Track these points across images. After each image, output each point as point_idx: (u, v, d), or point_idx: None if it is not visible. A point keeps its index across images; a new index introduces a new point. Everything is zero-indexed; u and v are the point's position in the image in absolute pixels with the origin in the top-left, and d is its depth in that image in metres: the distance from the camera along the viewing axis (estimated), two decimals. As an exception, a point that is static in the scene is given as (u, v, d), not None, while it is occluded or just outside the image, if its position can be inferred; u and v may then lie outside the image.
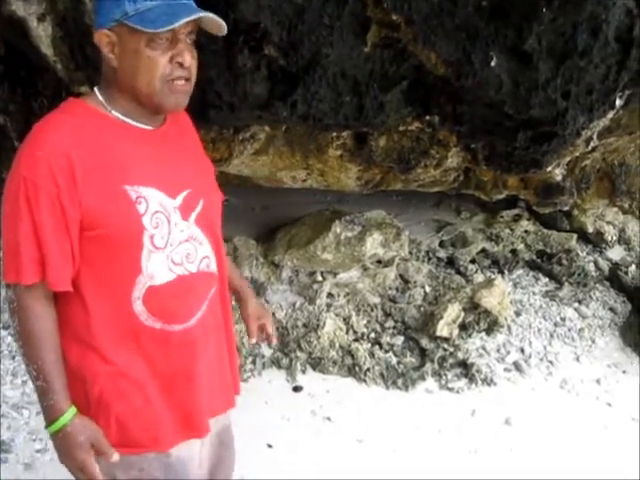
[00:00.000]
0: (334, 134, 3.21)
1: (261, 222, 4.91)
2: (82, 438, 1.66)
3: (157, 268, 1.67)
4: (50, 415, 1.66)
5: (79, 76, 2.65)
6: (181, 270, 1.72)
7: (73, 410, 1.66)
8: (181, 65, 1.61)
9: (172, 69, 1.61)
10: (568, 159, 3.58)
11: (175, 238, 1.69)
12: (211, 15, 1.63)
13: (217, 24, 1.67)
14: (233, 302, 2.04)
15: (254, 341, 2.22)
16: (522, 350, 4.00)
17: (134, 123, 1.68)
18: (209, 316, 1.84)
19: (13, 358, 3.56)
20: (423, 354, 3.84)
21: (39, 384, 1.65)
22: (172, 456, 1.82)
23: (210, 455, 2.03)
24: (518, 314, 4.31)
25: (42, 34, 2.49)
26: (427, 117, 2.95)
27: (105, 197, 1.59)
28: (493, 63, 2.50)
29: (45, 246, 1.56)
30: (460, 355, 3.82)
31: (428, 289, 4.39)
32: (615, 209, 5.05)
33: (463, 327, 3.99)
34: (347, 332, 3.90)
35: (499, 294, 4.02)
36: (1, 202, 1.62)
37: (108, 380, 1.72)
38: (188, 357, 1.79)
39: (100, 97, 1.67)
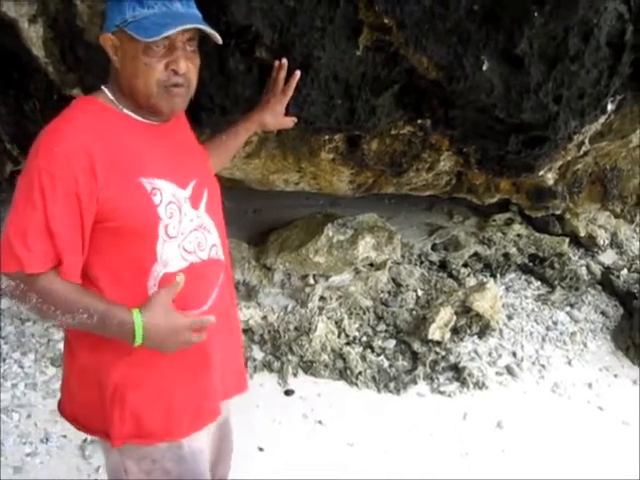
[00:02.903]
0: (326, 137, 3.21)
1: (253, 225, 4.91)
2: (162, 317, 1.67)
3: (171, 256, 1.73)
4: (125, 328, 1.64)
5: (71, 78, 2.64)
6: (193, 258, 1.78)
7: (135, 309, 1.65)
8: (176, 72, 1.66)
9: (168, 76, 1.66)
10: (560, 163, 3.59)
11: (185, 227, 1.75)
12: (202, 26, 1.67)
13: (210, 33, 1.71)
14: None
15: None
16: (514, 354, 4.00)
17: (142, 119, 1.75)
18: (219, 302, 1.90)
19: (4, 361, 3.55)
20: (415, 358, 3.83)
21: (96, 319, 1.63)
22: (185, 448, 1.87)
23: (212, 448, 2.09)
24: (510, 318, 4.31)
25: (33, 35, 2.48)
26: (419, 121, 2.95)
27: (123, 190, 1.64)
28: (485, 67, 2.50)
29: (58, 237, 1.58)
30: (452, 359, 3.82)
31: (420, 292, 4.39)
32: (607, 213, 5.06)
33: (455, 331, 3.99)
34: (339, 335, 3.90)
35: (491, 298, 4.03)
36: None
37: (123, 371, 1.76)
38: (202, 343, 1.81)
39: (110, 95, 1.73)
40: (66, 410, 1.94)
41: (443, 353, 3.84)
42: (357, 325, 4.03)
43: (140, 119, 1.75)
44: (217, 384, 1.93)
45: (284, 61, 2.21)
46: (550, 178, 3.85)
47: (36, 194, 1.55)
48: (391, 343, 3.93)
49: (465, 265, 4.78)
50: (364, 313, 4.12)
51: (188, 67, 1.68)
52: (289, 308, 4.12)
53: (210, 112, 2.61)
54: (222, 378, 1.95)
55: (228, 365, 1.99)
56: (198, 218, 1.80)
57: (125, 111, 1.72)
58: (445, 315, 3.90)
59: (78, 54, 2.48)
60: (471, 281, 4.54)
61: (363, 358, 3.76)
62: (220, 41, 1.74)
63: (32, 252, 1.57)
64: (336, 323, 3.97)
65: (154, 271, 1.72)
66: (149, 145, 1.74)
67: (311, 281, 4.32)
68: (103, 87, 1.75)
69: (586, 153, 3.56)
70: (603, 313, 4.46)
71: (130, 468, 1.85)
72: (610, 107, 2.89)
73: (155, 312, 1.66)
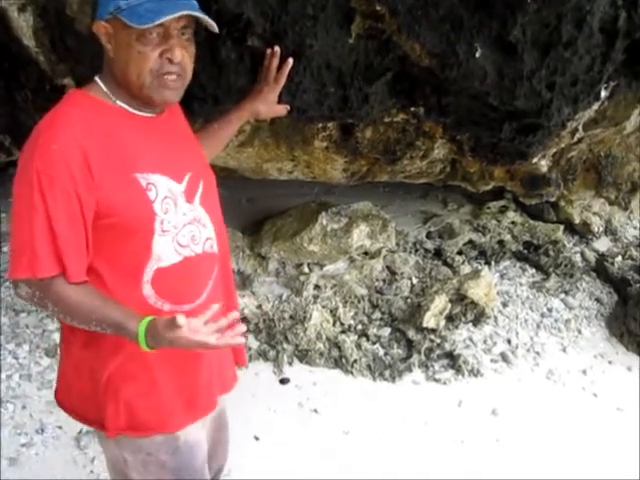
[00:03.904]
0: (319, 125, 3.20)
1: (247, 214, 4.91)
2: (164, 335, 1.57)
3: (164, 250, 1.72)
4: (134, 340, 1.61)
5: (62, 68, 2.62)
6: (187, 252, 1.77)
7: (142, 325, 1.59)
8: (171, 61, 1.64)
9: (162, 64, 1.64)
10: (554, 150, 3.57)
11: (179, 221, 1.74)
12: (197, 13, 1.65)
13: (206, 21, 1.69)
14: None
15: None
16: (509, 341, 4.01)
17: (137, 112, 1.73)
18: (214, 295, 1.89)
19: (-2, 352, 3.55)
20: (410, 345, 3.84)
21: (109, 332, 1.65)
22: (180, 440, 1.87)
23: (208, 439, 2.10)
24: (505, 305, 4.32)
25: (23, 25, 2.46)
26: (412, 108, 2.94)
27: (118, 186, 1.63)
28: (478, 54, 2.49)
29: (61, 239, 1.57)
30: (447, 346, 3.83)
31: (415, 280, 4.39)
32: (601, 200, 5.06)
33: (450, 318, 4.00)
34: (334, 324, 3.90)
35: (486, 285, 4.03)
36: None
37: (116, 364, 1.76)
38: None
39: (104, 87, 1.71)
40: (64, 401, 1.93)
41: (438, 341, 3.84)
42: (352, 313, 4.03)
43: (135, 112, 1.73)
44: (212, 377, 1.93)
45: (276, 49, 2.19)
46: (544, 165, 3.84)
47: (36, 198, 1.54)
48: (386, 331, 3.94)
49: (460, 253, 4.78)
50: (359, 301, 4.12)
51: (183, 56, 1.66)
52: (284, 297, 4.12)
53: (202, 101, 2.60)
54: (219, 372, 1.96)
55: (225, 358, 2.00)
56: (192, 212, 1.79)
57: (119, 103, 1.70)
58: (440, 303, 3.91)
59: (68, 44, 2.46)
60: (466, 269, 4.54)
61: (358, 346, 3.77)
62: (216, 29, 1.72)
63: (40, 256, 1.56)
64: (331, 312, 3.97)
65: (148, 266, 1.71)
66: (144, 139, 1.72)
67: (306, 270, 4.32)
68: (96, 78, 1.73)
69: (580, 140, 3.55)
70: (597, 300, 4.47)
71: (128, 459, 1.86)
72: (604, 94, 2.88)
73: (158, 326, 1.58)
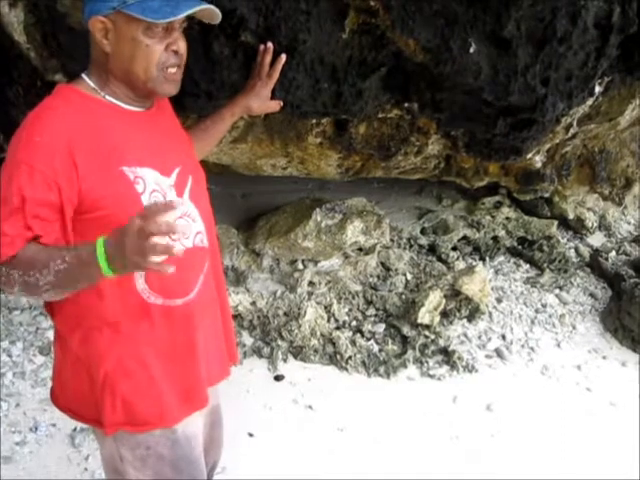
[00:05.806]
0: (313, 121, 3.19)
1: (242, 210, 4.90)
2: (125, 240, 1.44)
3: None
4: (93, 262, 1.49)
5: (53, 64, 2.61)
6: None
7: (100, 241, 1.48)
8: (176, 53, 1.68)
9: (167, 57, 1.67)
10: (548, 146, 3.58)
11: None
12: (209, 6, 1.70)
13: (213, 14, 1.75)
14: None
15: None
16: (503, 337, 4.01)
17: (126, 106, 1.74)
18: (205, 289, 1.90)
19: (-8, 350, 3.53)
20: (405, 342, 3.84)
21: (69, 259, 1.52)
22: (178, 432, 1.87)
23: (204, 434, 2.10)
24: (499, 301, 4.32)
25: (14, 20, 2.44)
26: (406, 104, 2.94)
27: (105, 179, 1.62)
28: (472, 49, 2.48)
29: (34, 217, 1.55)
30: (441, 342, 3.82)
31: (409, 276, 4.39)
32: (595, 195, 5.08)
33: (444, 314, 4.00)
34: (328, 320, 3.89)
35: (480, 281, 4.03)
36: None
37: (113, 360, 1.75)
38: (189, 330, 1.83)
39: (91, 82, 1.71)
40: (59, 400, 1.93)
41: (433, 337, 3.84)
42: (346, 310, 4.03)
43: (123, 106, 1.73)
44: (203, 371, 1.93)
45: (269, 45, 2.19)
46: (538, 161, 3.84)
47: (14, 186, 1.54)
48: (381, 327, 3.94)
49: (454, 249, 4.79)
50: (353, 298, 4.12)
51: (185, 48, 1.72)
52: (278, 293, 4.11)
53: (195, 97, 2.58)
54: (207, 364, 1.95)
55: (212, 352, 1.99)
56: (182, 206, 1.78)
57: (108, 98, 1.71)
58: (434, 299, 3.90)
59: (60, 39, 2.45)
60: (460, 264, 4.54)
61: (353, 343, 3.76)
62: (219, 20, 1.78)
63: (7, 236, 1.54)
64: (325, 308, 3.97)
65: None
66: (132, 133, 1.73)
67: (300, 266, 4.32)
68: (83, 75, 1.73)
69: (574, 136, 3.55)
70: (592, 295, 4.48)
71: (125, 455, 1.86)
72: (598, 89, 2.88)
73: (117, 231, 1.48)
